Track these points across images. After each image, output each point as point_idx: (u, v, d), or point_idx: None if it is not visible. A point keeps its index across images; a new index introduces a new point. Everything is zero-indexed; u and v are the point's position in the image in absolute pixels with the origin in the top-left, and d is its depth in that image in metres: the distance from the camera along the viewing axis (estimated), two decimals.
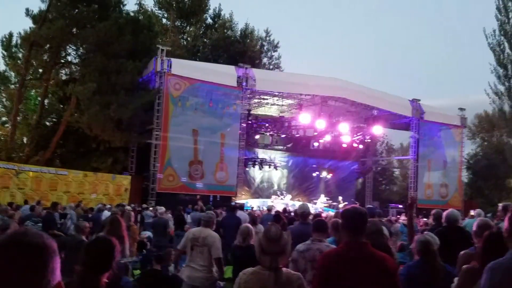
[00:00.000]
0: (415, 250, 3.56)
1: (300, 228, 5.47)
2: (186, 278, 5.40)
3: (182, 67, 19.11)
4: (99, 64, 17.63)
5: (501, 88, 31.38)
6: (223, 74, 19.85)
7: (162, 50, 18.65)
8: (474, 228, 3.65)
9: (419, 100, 25.11)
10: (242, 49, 28.33)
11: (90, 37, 17.74)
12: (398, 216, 18.90)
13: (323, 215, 9.48)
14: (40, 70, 19.45)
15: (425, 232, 3.88)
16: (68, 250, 5.79)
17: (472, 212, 9.30)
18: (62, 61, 19.86)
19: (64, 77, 20.79)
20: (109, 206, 12.68)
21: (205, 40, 29.54)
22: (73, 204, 12.96)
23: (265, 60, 32.13)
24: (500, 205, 7.21)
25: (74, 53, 19.90)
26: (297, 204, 19.49)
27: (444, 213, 5.22)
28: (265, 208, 19.89)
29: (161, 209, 11.16)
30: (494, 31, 30.30)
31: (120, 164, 19.39)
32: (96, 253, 2.43)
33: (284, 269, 2.56)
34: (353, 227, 2.69)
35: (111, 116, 17.10)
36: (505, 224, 2.39)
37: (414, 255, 4.12)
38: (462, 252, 3.48)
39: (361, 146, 27.62)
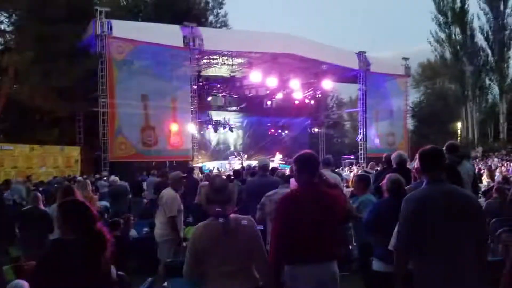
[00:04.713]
0: (385, 188, 3.80)
1: (260, 180, 5.83)
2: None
3: (124, 28, 18.28)
4: (34, 31, 16.64)
5: (442, 35, 32.70)
6: (168, 34, 19.18)
7: (101, 11, 17.74)
8: (415, 165, 3.93)
9: (365, 52, 25.59)
10: (186, 7, 27.31)
11: (23, 1, 16.57)
12: (350, 166, 19.74)
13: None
14: None
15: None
16: (31, 221, 5.67)
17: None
18: None
19: None
20: (59, 178, 12.31)
21: None
22: (21, 179, 12.48)
23: (211, 18, 31.26)
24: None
25: (7, 20, 18.74)
26: (253, 163, 19.70)
27: (393, 156, 5.50)
28: (222, 170, 20.08)
29: (115, 177, 11.01)
30: None
31: (68, 135, 18.69)
32: (72, 214, 2.57)
33: (232, 215, 2.60)
34: (308, 169, 2.84)
35: (52, 86, 16.33)
36: (416, 164, 2.84)
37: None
38: (407, 187, 3.79)
39: (312, 102, 28.06)
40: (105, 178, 14.27)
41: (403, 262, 2.57)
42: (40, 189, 11.12)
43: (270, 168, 7.12)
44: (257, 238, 2.61)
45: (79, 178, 12.30)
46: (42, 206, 6.10)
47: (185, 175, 7.48)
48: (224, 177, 12.07)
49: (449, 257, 2.45)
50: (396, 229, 2.74)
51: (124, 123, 18.05)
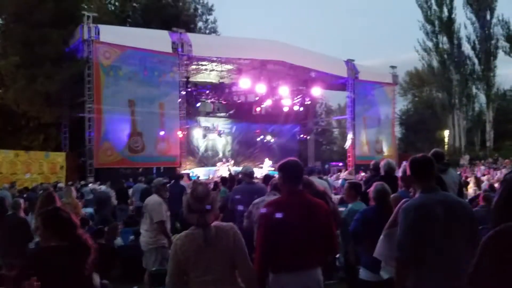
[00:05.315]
0: (371, 197, 3.81)
1: (247, 187, 5.77)
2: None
3: (112, 34, 18.15)
4: (21, 35, 16.64)
5: (430, 44, 33.09)
6: (157, 39, 19.11)
7: (88, 16, 17.61)
8: (400, 173, 3.92)
9: (353, 60, 25.80)
10: (175, 13, 27.34)
11: (9, 6, 16.51)
12: (339, 173, 19.77)
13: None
14: None
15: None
16: (10, 229, 5.53)
17: (404, 163, 9.82)
18: None
19: None
20: (45, 185, 12.12)
21: (134, 4, 28.17)
22: (7, 185, 12.27)
23: (200, 24, 31.32)
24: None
25: None
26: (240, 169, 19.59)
27: (381, 163, 5.47)
28: (211, 176, 19.93)
29: (95, 185, 10.93)
30: None
31: (53, 140, 18.46)
32: (54, 223, 2.54)
33: (215, 223, 2.55)
34: (293, 177, 2.87)
35: (38, 90, 16.16)
36: (407, 170, 2.79)
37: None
38: (392, 195, 3.76)
39: (301, 109, 28.14)
40: (90, 184, 14.11)
41: (405, 273, 2.53)
42: (24, 195, 10.93)
43: (263, 175, 7.13)
44: (240, 246, 2.56)
45: (61, 184, 12.13)
46: (22, 214, 5.96)
47: (168, 181, 7.39)
48: (212, 184, 12.06)
49: (449, 263, 2.47)
50: (381, 237, 2.72)
51: (111, 129, 17.86)
